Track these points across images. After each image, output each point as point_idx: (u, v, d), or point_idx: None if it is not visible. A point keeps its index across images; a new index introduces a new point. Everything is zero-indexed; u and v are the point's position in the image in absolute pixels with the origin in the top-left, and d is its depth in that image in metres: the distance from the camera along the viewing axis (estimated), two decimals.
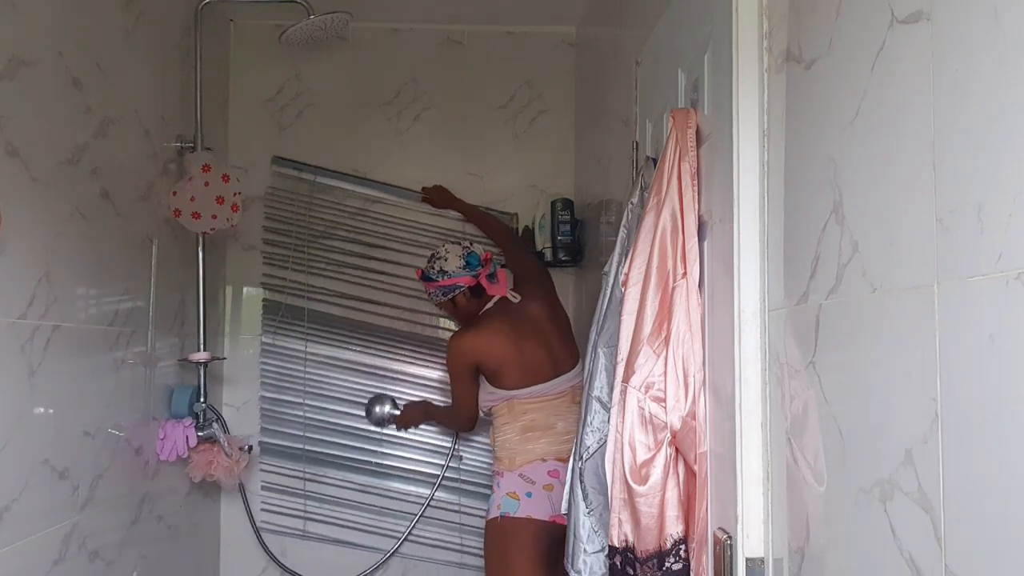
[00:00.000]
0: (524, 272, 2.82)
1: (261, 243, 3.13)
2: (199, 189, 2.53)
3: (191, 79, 2.66)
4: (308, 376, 3.11)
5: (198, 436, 2.55)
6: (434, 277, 2.66)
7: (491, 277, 2.67)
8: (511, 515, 2.47)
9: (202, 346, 2.66)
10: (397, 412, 3.07)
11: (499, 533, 2.49)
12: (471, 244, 2.71)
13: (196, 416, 2.57)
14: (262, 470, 3.09)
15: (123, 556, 2.21)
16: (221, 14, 3.04)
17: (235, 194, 2.59)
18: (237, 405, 3.09)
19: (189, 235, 2.63)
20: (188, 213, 2.51)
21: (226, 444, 2.64)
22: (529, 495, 2.48)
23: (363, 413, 3.11)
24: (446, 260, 2.64)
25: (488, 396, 2.62)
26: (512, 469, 2.52)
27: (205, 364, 2.63)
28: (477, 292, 2.66)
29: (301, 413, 3.10)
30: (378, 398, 3.10)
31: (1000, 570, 0.76)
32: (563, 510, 1.90)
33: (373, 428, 3.11)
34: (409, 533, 3.09)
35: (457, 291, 2.65)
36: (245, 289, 3.15)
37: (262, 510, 3.08)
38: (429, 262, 2.70)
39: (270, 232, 3.14)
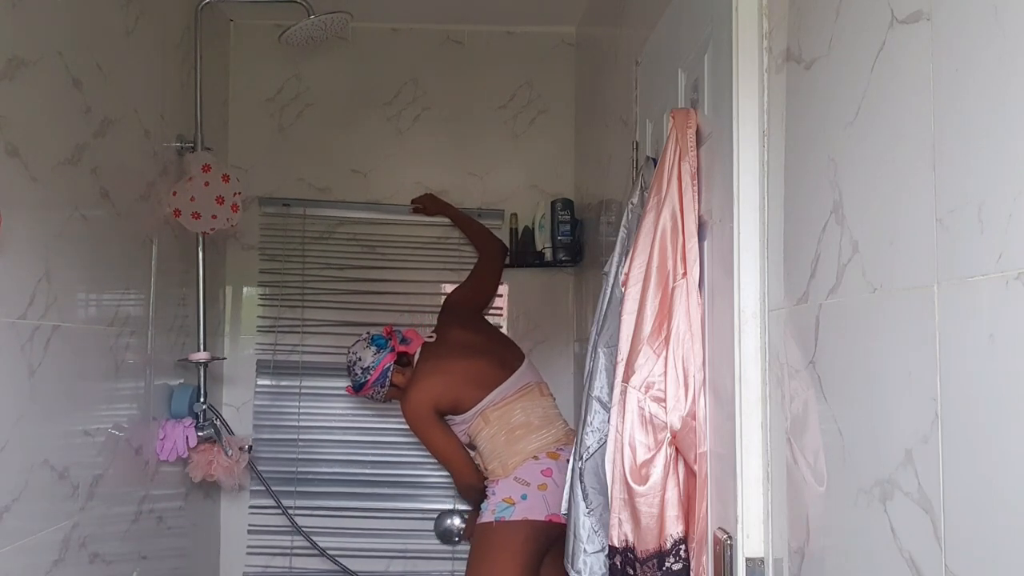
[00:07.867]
0: (473, 294, 2.94)
1: (258, 273, 3.14)
2: (199, 189, 2.53)
3: (191, 79, 2.66)
4: (302, 412, 3.13)
5: (198, 436, 2.55)
6: (363, 379, 2.68)
7: (403, 341, 2.72)
8: (506, 519, 2.47)
9: (202, 346, 2.66)
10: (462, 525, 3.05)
11: (489, 536, 2.50)
12: (367, 333, 2.75)
13: (196, 416, 2.57)
14: (251, 513, 3.09)
15: (123, 556, 2.21)
16: (221, 14, 3.04)
17: (235, 194, 2.59)
18: (237, 405, 3.09)
19: (189, 235, 2.63)
20: (188, 213, 2.51)
21: (226, 444, 2.64)
22: (524, 497, 2.48)
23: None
24: (361, 358, 2.68)
25: (461, 425, 2.64)
26: (506, 475, 2.52)
27: (205, 364, 2.63)
28: (402, 361, 2.71)
29: (295, 449, 3.09)
30: (444, 515, 3.09)
31: (1000, 570, 0.76)
32: (563, 510, 1.90)
33: (365, 449, 3.11)
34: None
35: (389, 373, 2.67)
36: (245, 289, 3.15)
37: (248, 553, 3.07)
38: (350, 374, 2.71)
39: (266, 274, 3.14)
